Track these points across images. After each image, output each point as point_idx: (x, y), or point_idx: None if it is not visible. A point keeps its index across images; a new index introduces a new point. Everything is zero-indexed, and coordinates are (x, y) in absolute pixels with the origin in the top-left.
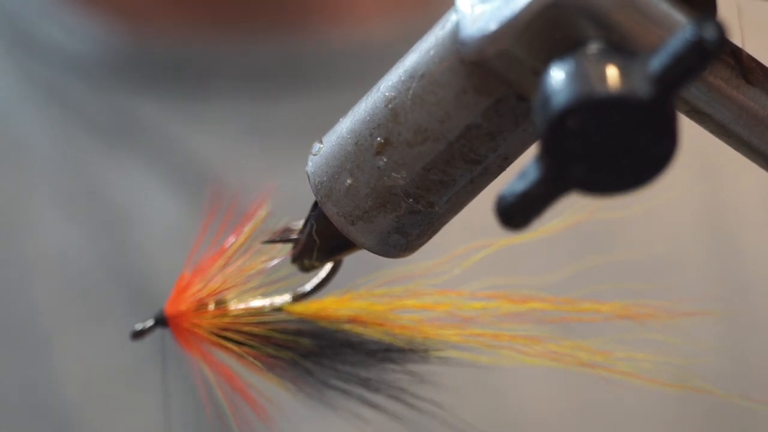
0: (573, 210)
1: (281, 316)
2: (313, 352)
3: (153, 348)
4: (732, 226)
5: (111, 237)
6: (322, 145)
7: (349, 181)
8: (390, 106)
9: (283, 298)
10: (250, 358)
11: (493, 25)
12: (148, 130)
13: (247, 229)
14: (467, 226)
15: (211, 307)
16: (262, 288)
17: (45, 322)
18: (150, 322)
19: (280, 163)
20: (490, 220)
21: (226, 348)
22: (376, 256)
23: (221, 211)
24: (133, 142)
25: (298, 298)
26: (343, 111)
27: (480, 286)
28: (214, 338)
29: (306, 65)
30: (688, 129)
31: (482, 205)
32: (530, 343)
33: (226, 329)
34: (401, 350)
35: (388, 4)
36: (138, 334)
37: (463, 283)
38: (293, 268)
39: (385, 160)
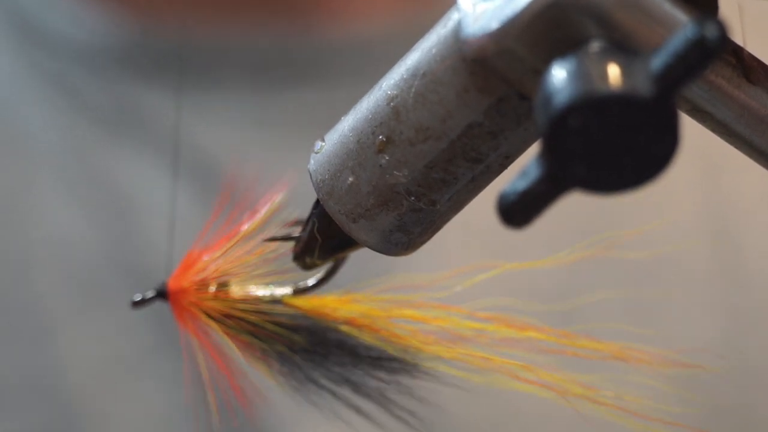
0: (586, 244)
1: (280, 308)
2: (305, 348)
3: (156, 335)
4: (734, 225)
5: (115, 226)
6: (323, 143)
7: (351, 179)
8: (392, 104)
9: (284, 290)
10: (242, 345)
11: (494, 24)
12: (152, 120)
13: (260, 217)
14: (476, 244)
15: (213, 288)
16: (266, 277)
17: (49, 308)
18: (151, 293)
19: (283, 155)
20: (500, 241)
21: (220, 331)
22: (381, 257)
23: (235, 198)
24: (138, 132)
25: (299, 292)
26: (347, 105)
27: (480, 306)
28: (210, 320)
29: (310, 58)
30: (691, 129)
31: (493, 224)
32: (522, 370)
33: (223, 312)
34: (392, 359)
35: (395, 0)
36: (138, 304)
37: (464, 300)
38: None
39: (387, 158)
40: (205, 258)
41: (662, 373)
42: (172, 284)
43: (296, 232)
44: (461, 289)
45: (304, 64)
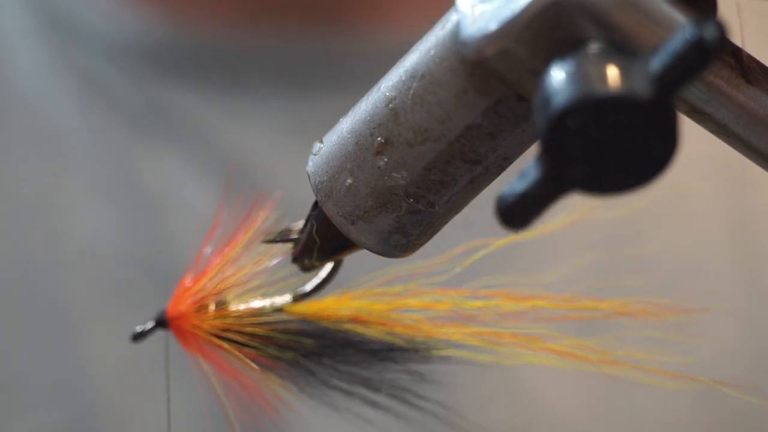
0: (573, 208)
1: (282, 316)
2: (315, 352)
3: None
4: (754, 227)
5: (144, 226)
6: (322, 145)
7: (349, 181)
8: (390, 105)
9: (283, 299)
10: (250, 360)
11: (493, 25)
12: (184, 121)
13: (250, 230)
14: (468, 224)
15: (212, 308)
16: (263, 288)
17: (76, 307)
18: (150, 324)
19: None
20: (490, 218)
21: (227, 349)
22: (377, 255)
23: (229, 211)
24: (169, 132)
25: (299, 298)
26: None
27: (481, 285)
28: (215, 339)
29: (344, 63)
30: (715, 141)
31: (482, 203)
32: (532, 342)
33: (227, 330)
34: (403, 349)
35: (430, 5)
36: (138, 336)
37: (464, 281)
38: (294, 268)
39: (385, 160)
40: (202, 277)
41: (676, 323)
42: (171, 310)
43: (295, 234)
44: (460, 270)
45: (339, 70)
